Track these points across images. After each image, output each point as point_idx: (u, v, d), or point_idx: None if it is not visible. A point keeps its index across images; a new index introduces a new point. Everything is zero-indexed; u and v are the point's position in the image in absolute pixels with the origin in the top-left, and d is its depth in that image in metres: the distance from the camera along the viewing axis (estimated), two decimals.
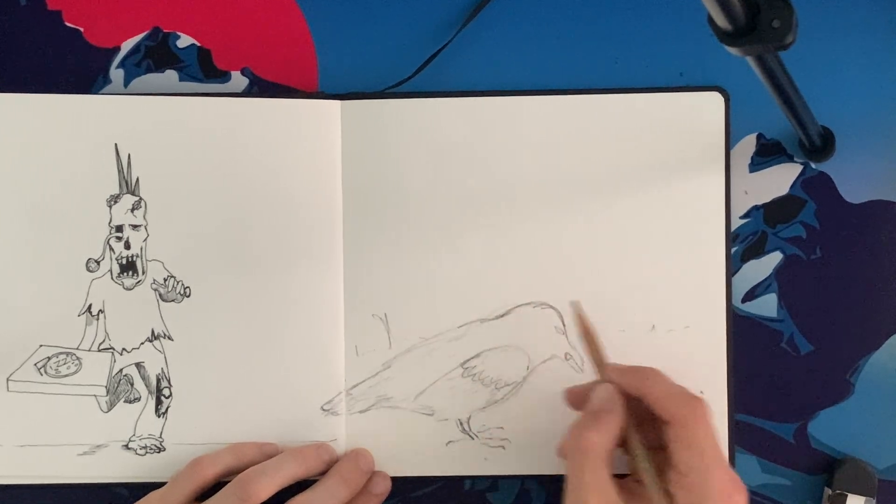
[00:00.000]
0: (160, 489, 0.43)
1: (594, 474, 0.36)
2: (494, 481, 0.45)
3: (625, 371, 0.39)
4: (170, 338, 0.44)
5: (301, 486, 0.42)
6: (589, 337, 0.41)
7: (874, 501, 0.43)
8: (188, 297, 0.44)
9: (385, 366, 0.44)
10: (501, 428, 0.44)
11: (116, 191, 0.44)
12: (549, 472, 0.44)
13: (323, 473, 0.43)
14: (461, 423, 0.45)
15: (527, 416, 0.44)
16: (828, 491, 0.44)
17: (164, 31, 0.46)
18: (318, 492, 0.42)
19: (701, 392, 0.44)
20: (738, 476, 0.38)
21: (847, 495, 0.43)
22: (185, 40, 0.46)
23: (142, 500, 0.42)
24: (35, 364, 0.44)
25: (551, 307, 0.44)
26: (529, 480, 0.45)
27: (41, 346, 0.44)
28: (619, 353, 0.43)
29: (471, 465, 0.44)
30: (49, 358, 0.44)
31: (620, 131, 0.44)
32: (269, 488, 0.41)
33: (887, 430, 0.45)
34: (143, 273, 0.44)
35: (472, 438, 0.45)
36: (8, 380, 0.44)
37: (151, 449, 0.44)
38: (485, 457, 0.44)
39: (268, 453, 0.43)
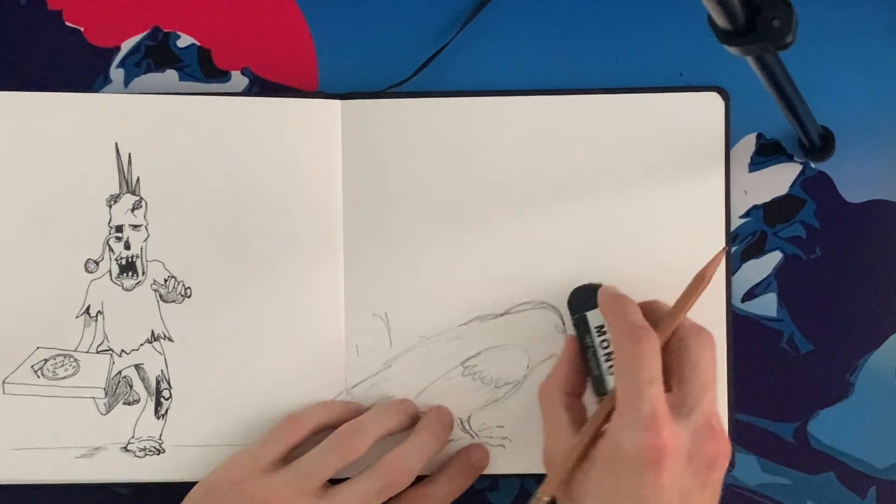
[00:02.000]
0: (249, 448, 0.41)
1: (550, 415, 0.40)
2: (494, 481, 0.45)
3: (609, 298, 0.41)
4: (170, 339, 0.44)
5: None
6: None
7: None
8: (188, 297, 0.44)
9: (386, 365, 0.44)
10: (502, 427, 0.44)
11: (116, 190, 0.44)
12: None
13: (406, 429, 0.43)
14: (462, 422, 0.45)
15: (527, 414, 0.44)
16: (571, 319, 0.43)
17: (164, 30, 0.46)
18: (410, 445, 0.41)
19: None
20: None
21: (586, 315, 0.43)
22: (185, 40, 0.46)
23: (231, 460, 0.41)
24: (32, 366, 0.44)
25: (551, 306, 0.44)
26: (529, 480, 0.45)
27: (38, 347, 0.44)
28: None
29: None
30: (46, 360, 0.44)
31: (620, 131, 0.44)
32: (367, 442, 0.41)
33: (887, 429, 0.45)
34: (143, 274, 0.44)
35: (473, 437, 0.44)
36: (4, 382, 0.44)
37: (151, 451, 0.44)
38: None
39: (355, 410, 0.43)
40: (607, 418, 0.38)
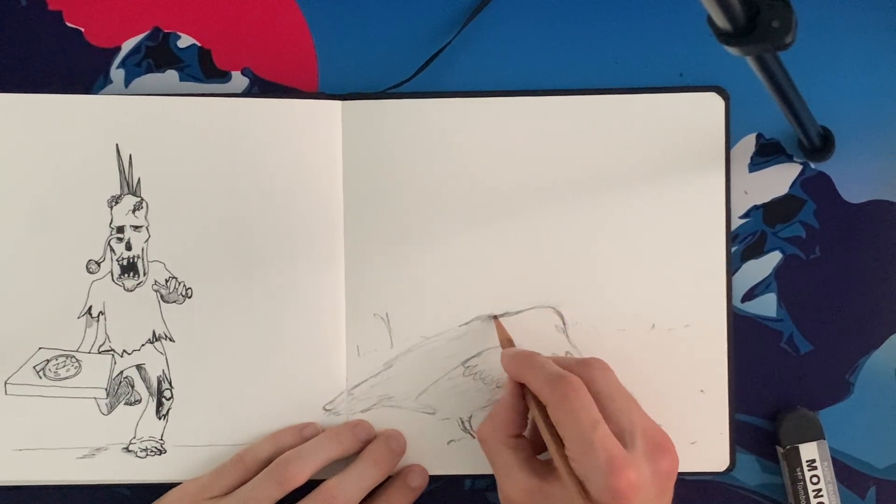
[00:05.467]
0: (199, 479, 0.43)
1: (497, 458, 0.39)
2: (494, 481, 0.45)
3: (510, 359, 0.40)
4: (171, 339, 0.44)
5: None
6: (502, 336, 0.43)
7: (825, 442, 0.43)
8: (190, 297, 0.44)
9: (386, 365, 0.45)
10: None
11: (117, 191, 0.44)
12: None
13: (359, 452, 0.43)
14: (463, 422, 0.45)
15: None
16: (780, 449, 0.44)
17: (165, 31, 0.46)
18: (349, 474, 0.42)
19: (701, 391, 0.44)
20: (659, 428, 0.38)
21: (799, 447, 0.43)
22: (185, 40, 0.46)
23: (177, 488, 0.43)
24: (34, 367, 0.44)
25: (551, 306, 0.44)
26: None
27: (40, 348, 0.44)
28: (619, 352, 0.44)
29: (472, 464, 0.44)
30: (48, 360, 0.44)
31: (620, 131, 0.44)
32: (307, 471, 0.41)
33: (887, 430, 0.45)
34: (145, 274, 0.44)
35: (474, 437, 0.45)
36: (6, 383, 0.44)
37: (152, 451, 0.44)
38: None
39: (307, 436, 0.43)
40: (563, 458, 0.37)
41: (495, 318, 0.44)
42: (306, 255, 0.44)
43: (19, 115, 0.44)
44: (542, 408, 0.38)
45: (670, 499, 0.37)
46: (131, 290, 0.44)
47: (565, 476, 0.36)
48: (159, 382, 0.44)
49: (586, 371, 0.38)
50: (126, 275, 0.44)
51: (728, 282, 0.44)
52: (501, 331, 0.43)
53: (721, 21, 0.30)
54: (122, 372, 0.44)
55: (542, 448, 0.40)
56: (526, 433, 0.40)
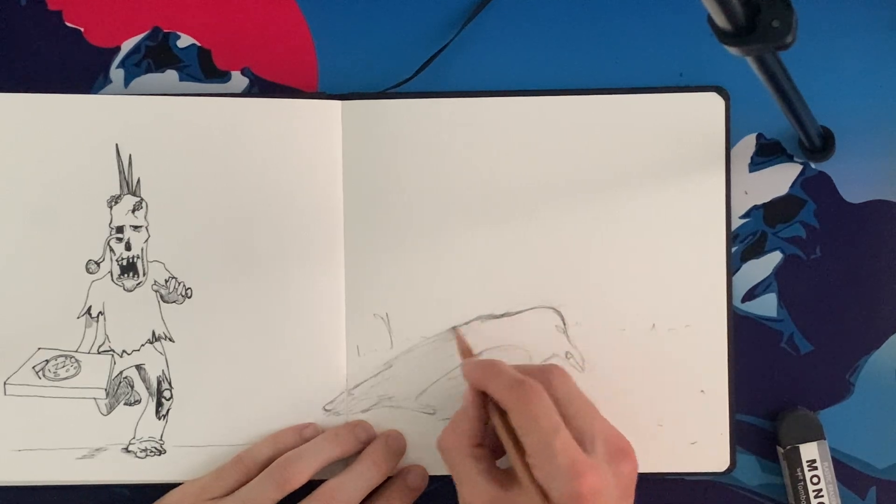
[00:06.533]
0: (199, 479, 0.43)
1: (459, 468, 0.39)
2: None
3: (472, 368, 0.40)
4: (171, 339, 0.44)
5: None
6: (462, 346, 0.43)
7: (825, 442, 0.43)
8: (189, 298, 0.44)
9: (387, 365, 0.45)
10: None
11: (117, 191, 0.44)
12: None
13: (359, 453, 0.43)
14: None
15: None
16: (780, 449, 0.44)
17: (164, 30, 0.46)
18: (349, 475, 0.42)
19: (702, 391, 0.44)
20: (619, 432, 0.38)
21: (799, 447, 0.43)
22: (185, 40, 0.46)
23: (177, 489, 0.43)
24: (33, 367, 0.44)
25: (552, 306, 0.44)
26: None
27: (39, 348, 0.44)
28: (619, 351, 0.44)
29: None
30: (47, 361, 0.44)
31: (620, 131, 0.44)
32: (307, 472, 0.41)
33: (887, 430, 0.45)
34: (144, 274, 0.44)
35: None
36: (5, 383, 0.44)
37: (152, 451, 0.44)
38: None
39: (307, 437, 0.43)
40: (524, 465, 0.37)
41: (455, 328, 0.44)
42: (306, 255, 0.44)
43: (18, 114, 0.44)
44: (503, 415, 0.38)
45: (632, 502, 0.37)
46: (131, 291, 0.44)
47: (527, 483, 0.36)
48: (159, 383, 0.44)
49: (546, 377, 0.38)
50: (126, 275, 0.44)
51: (728, 282, 0.44)
52: (461, 342, 0.43)
53: (721, 21, 0.30)
54: (121, 372, 0.44)
55: (502, 455, 0.40)
56: (485, 442, 0.40)
